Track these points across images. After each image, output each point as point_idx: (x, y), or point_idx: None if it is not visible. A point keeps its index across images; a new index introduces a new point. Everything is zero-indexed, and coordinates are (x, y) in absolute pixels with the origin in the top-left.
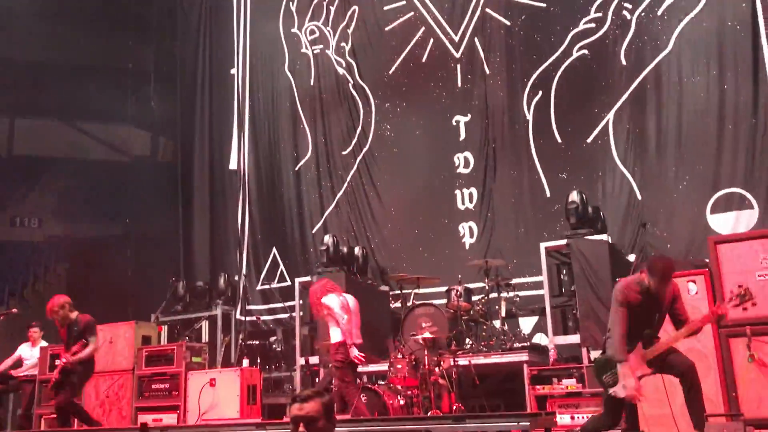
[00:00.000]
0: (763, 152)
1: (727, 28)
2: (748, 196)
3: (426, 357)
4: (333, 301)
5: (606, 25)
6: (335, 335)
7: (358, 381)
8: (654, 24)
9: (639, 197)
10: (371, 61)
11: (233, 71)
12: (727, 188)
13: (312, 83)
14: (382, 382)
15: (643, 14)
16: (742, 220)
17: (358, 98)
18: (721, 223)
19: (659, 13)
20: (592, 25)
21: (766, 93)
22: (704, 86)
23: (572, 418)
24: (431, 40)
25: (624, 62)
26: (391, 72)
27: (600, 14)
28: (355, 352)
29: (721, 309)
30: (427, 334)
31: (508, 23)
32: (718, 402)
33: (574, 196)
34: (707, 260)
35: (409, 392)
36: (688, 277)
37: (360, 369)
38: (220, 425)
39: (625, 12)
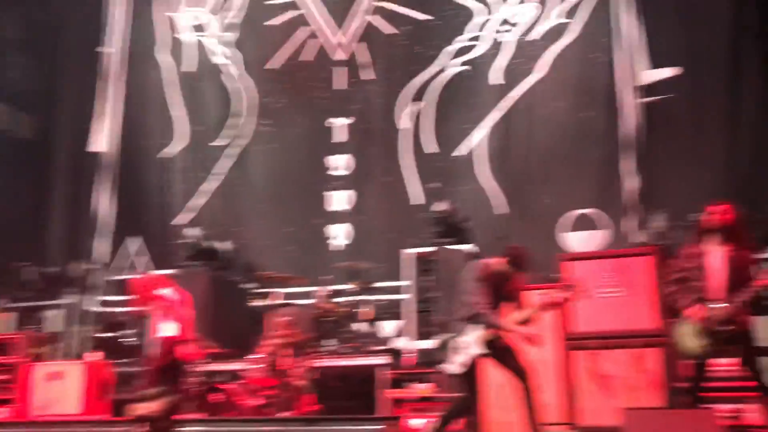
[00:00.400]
0: (619, 178)
1: (591, 60)
2: (601, 217)
3: (286, 357)
4: (170, 293)
5: (485, 44)
6: (168, 329)
7: (215, 379)
8: (529, 48)
9: (503, 211)
10: (254, 54)
11: (103, 49)
12: (583, 208)
13: (188, 70)
14: (239, 382)
15: (520, 38)
16: (594, 239)
17: (240, 90)
18: (576, 240)
19: (535, 38)
20: (473, 42)
21: (623, 125)
22: (569, 111)
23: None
24: (315, 40)
25: (499, 81)
26: (273, 67)
27: (481, 33)
28: (191, 348)
29: (554, 298)
30: (288, 334)
31: (392, 32)
32: (559, 411)
33: (442, 205)
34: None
35: (265, 392)
36: (541, 292)
37: (217, 367)
38: (58, 421)
39: (503, 34)
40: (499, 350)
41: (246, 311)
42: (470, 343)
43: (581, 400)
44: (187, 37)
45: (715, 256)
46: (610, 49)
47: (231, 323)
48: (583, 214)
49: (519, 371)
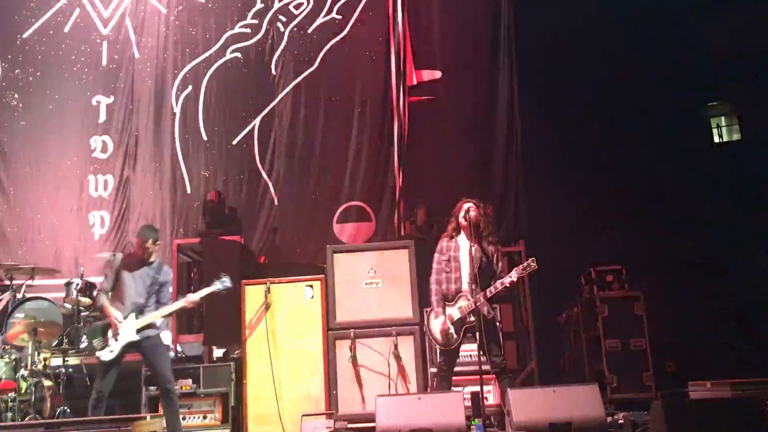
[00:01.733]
0: (385, 173)
1: (365, 57)
2: (368, 210)
3: (30, 356)
4: None
5: (260, 32)
6: None
7: None
8: (304, 40)
9: (275, 202)
10: (2, 18)
11: None
12: (351, 201)
13: None
14: None
15: (295, 29)
16: (362, 232)
17: None
18: (345, 232)
19: (309, 31)
20: (248, 30)
21: (391, 123)
22: (342, 106)
23: (184, 418)
24: (77, 10)
25: (274, 72)
26: (25, 35)
27: (256, 21)
28: None
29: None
30: (34, 332)
31: (163, 10)
32: (321, 400)
33: (212, 195)
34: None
35: (4, 396)
36: (305, 283)
37: None
38: None
39: (279, 24)
40: (149, 342)
41: None
42: (125, 329)
43: (340, 388)
44: None
45: (465, 251)
46: (385, 48)
47: None
48: (351, 206)
49: (161, 373)
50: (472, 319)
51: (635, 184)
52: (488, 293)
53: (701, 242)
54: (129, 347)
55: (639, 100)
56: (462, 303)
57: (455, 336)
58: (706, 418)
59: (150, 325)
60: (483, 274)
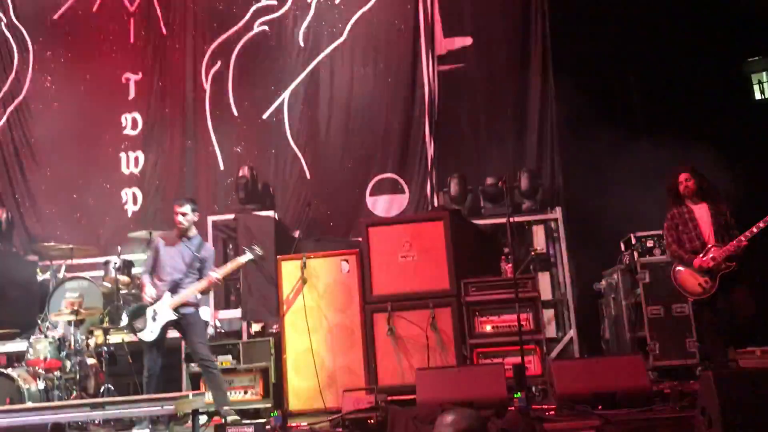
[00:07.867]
0: (415, 143)
1: (394, 27)
2: (401, 181)
3: (72, 335)
4: None
5: (287, 4)
6: None
7: None
8: (332, 12)
9: (308, 176)
10: (32, 1)
11: None
12: (384, 173)
13: None
14: (20, 365)
15: (322, 1)
16: (395, 204)
17: (12, 41)
18: (378, 205)
19: (337, 2)
20: (274, 2)
21: (422, 93)
22: (372, 77)
23: None
24: None
25: (302, 44)
26: (56, 17)
27: None
28: None
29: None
30: (75, 310)
31: None
32: (361, 373)
33: (245, 170)
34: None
35: (50, 375)
36: (341, 257)
37: None
38: None
39: None
40: (186, 320)
41: (31, 285)
42: (162, 309)
43: (379, 361)
44: None
45: (700, 212)
46: (414, 17)
47: (14, 299)
48: (383, 179)
49: (195, 350)
50: (728, 264)
51: (675, 144)
52: (748, 234)
53: (743, 203)
54: (168, 326)
55: (677, 57)
56: (713, 253)
57: (711, 282)
58: (761, 387)
59: (187, 303)
60: (723, 229)
